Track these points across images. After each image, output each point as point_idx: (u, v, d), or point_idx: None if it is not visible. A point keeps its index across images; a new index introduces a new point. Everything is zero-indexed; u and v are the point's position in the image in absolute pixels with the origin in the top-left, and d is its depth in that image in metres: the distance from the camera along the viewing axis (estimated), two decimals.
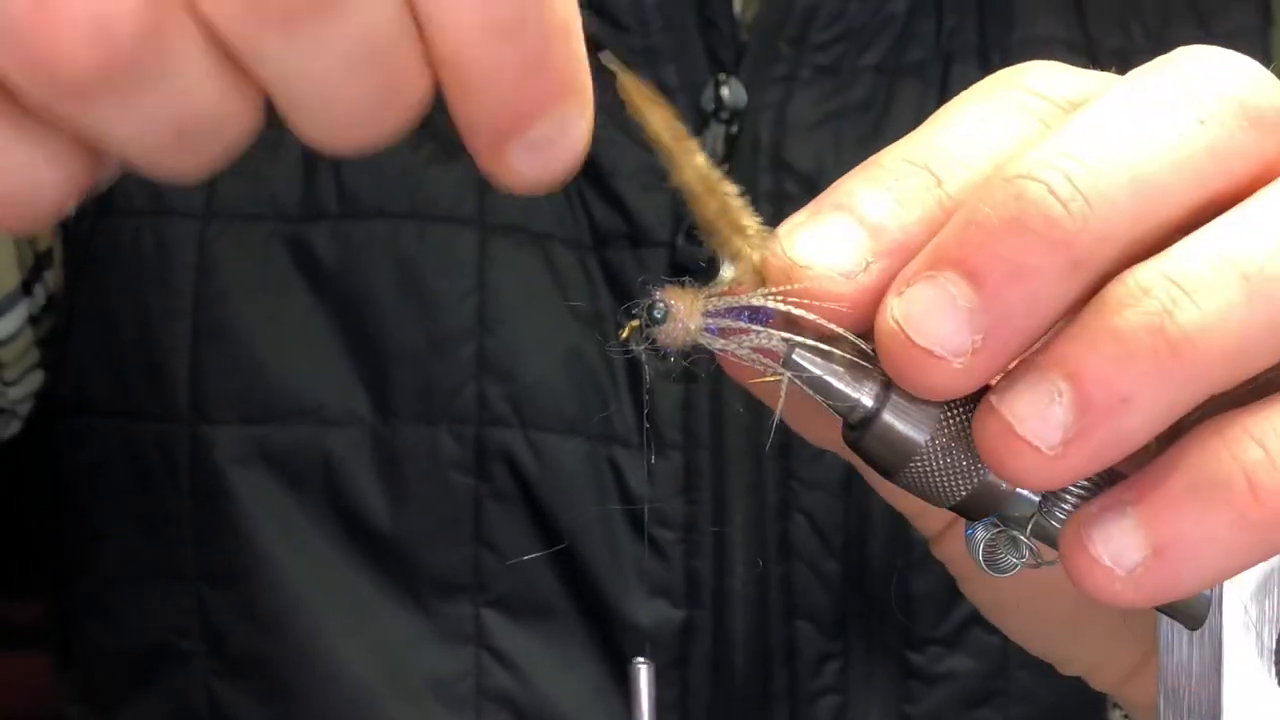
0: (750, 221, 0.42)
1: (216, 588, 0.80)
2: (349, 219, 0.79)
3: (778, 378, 0.41)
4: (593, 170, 0.81)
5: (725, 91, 0.80)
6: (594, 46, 0.40)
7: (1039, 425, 0.37)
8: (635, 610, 0.80)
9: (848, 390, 0.40)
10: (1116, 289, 0.37)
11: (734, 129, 0.80)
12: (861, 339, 0.40)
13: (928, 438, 0.40)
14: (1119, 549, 0.38)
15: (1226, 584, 0.40)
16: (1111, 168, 0.38)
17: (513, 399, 0.79)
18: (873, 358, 0.40)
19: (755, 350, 0.41)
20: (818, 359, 0.40)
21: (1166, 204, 0.38)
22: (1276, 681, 0.40)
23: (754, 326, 0.41)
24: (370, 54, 0.35)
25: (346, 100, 0.36)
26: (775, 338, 0.41)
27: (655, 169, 0.79)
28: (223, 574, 0.80)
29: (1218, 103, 0.39)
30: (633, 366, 0.79)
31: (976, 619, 0.82)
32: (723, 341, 0.41)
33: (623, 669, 0.82)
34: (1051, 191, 0.37)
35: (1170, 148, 0.38)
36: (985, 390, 0.39)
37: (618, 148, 0.80)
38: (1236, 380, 0.38)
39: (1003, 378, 0.38)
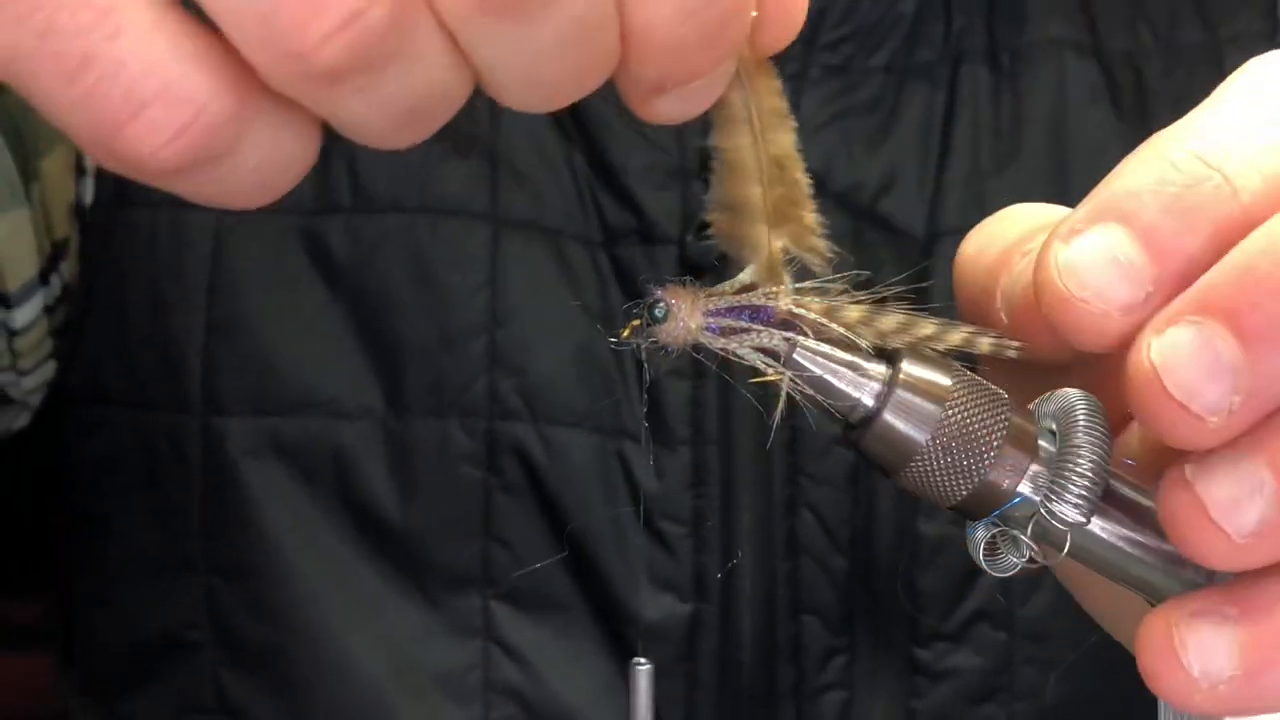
0: (810, 214, 0.42)
1: (226, 579, 0.80)
2: (362, 213, 0.80)
3: (779, 377, 0.41)
4: (603, 167, 0.81)
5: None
6: None
7: (1235, 515, 0.36)
8: (643, 604, 0.80)
9: (848, 390, 0.40)
10: None
11: None
12: (861, 340, 0.40)
13: (928, 437, 0.40)
14: (1210, 662, 0.37)
15: None
16: None
17: (524, 392, 0.79)
18: (875, 358, 0.40)
19: (756, 349, 0.41)
20: (818, 358, 0.40)
21: None
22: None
23: (755, 326, 0.41)
24: (580, 39, 0.36)
25: (552, 76, 0.37)
26: (776, 337, 0.41)
27: (666, 166, 0.80)
28: (232, 566, 0.80)
29: None
30: (642, 361, 0.80)
31: (982, 615, 0.82)
32: (724, 341, 0.41)
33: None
34: None
35: None
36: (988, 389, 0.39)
37: (628, 144, 0.80)
38: None
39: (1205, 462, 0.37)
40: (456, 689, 0.79)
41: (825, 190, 0.81)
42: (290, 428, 0.79)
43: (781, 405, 0.41)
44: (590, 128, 0.81)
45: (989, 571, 0.41)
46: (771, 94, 0.41)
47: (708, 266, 0.77)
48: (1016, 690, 0.83)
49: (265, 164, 0.36)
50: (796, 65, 0.81)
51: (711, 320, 0.41)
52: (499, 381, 0.79)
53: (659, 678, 0.81)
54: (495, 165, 0.81)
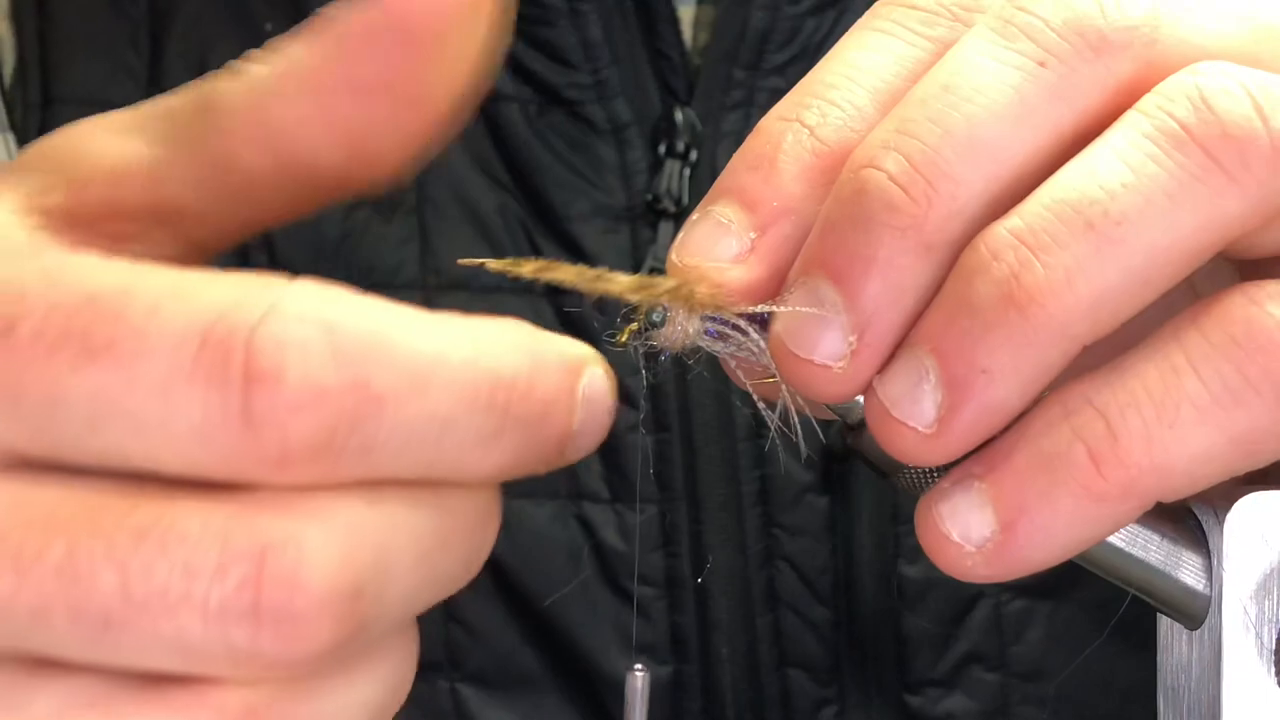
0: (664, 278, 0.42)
1: None
2: None
3: (776, 379, 0.41)
4: (543, 213, 0.80)
5: (680, 125, 0.79)
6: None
7: (912, 406, 0.37)
8: (618, 668, 0.78)
9: None
10: (969, 257, 0.37)
11: (691, 160, 0.79)
12: None
13: None
14: (967, 525, 0.38)
15: (1226, 584, 0.40)
16: (950, 138, 0.37)
17: None
18: None
19: (755, 352, 0.41)
20: None
21: (1013, 161, 0.37)
22: (1276, 681, 0.40)
23: (752, 330, 0.41)
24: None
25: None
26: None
27: (612, 209, 0.79)
28: None
29: (1056, 38, 0.38)
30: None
31: (973, 658, 0.81)
32: (721, 344, 0.41)
33: None
34: (891, 178, 0.37)
35: (1010, 101, 0.37)
36: None
37: (570, 188, 0.79)
38: (1103, 333, 0.37)
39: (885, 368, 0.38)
40: None
41: None
42: None
43: (781, 406, 0.41)
44: (528, 174, 0.80)
45: None
46: (573, 274, 0.42)
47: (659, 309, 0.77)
48: None
49: None
50: (743, 92, 0.79)
51: (710, 324, 0.41)
52: None
53: None
54: (423, 228, 0.79)
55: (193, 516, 0.32)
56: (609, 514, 0.78)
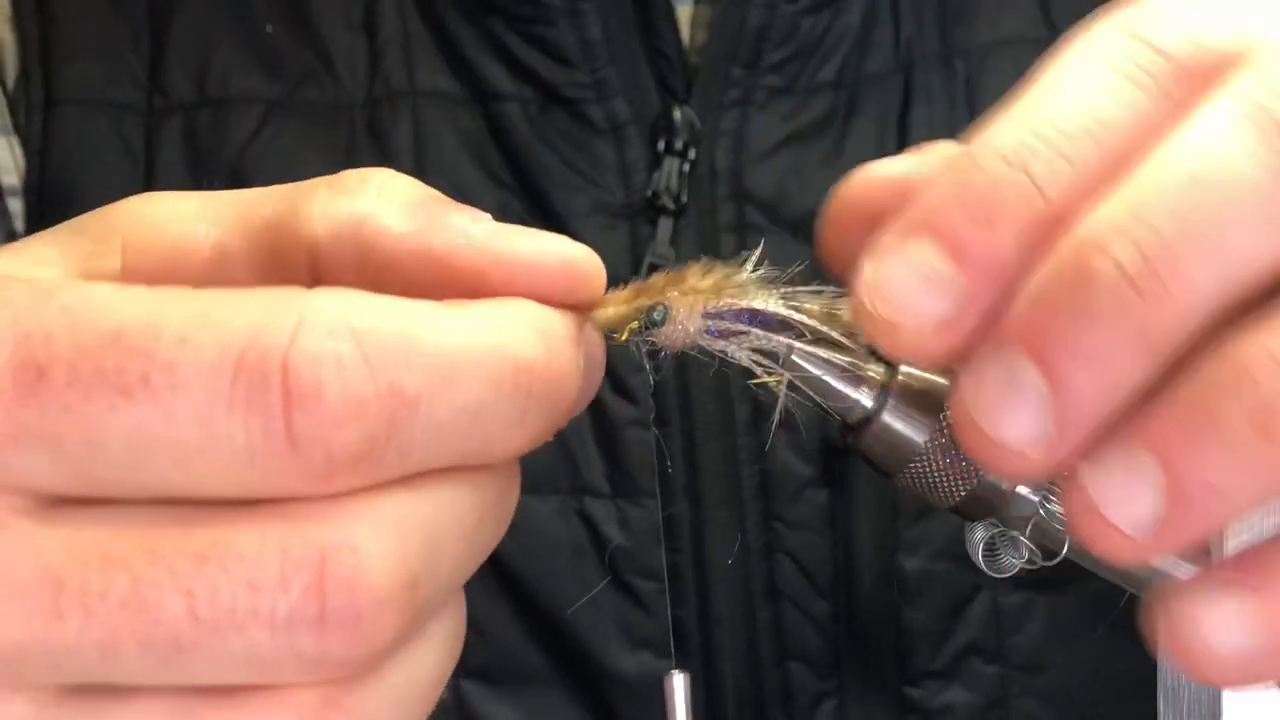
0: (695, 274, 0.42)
1: None
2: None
3: (777, 379, 0.41)
4: (545, 211, 0.80)
5: (679, 123, 0.79)
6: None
7: (1129, 511, 0.35)
8: (620, 663, 0.79)
9: (847, 391, 0.40)
10: (1217, 369, 0.34)
11: (690, 159, 0.79)
12: (862, 339, 0.40)
13: (927, 439, 0.40)
14: (1231, 635, 0.36)
15: None
16: (1191, 236, 0.34)
17: None
18: (874, 359, 0.40)
19: (755, 351, 0.41)
20: (817, 360, 0.40)
21: (1255, 268, 0.35)
22: (1276, 681, 0.40)
23: (754, 328, 0.41)
24: None
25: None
26: (775, 339, 0.41)
27: (612, 206, 0.80)
28: None
29: None
30: (596, 414, 0.78)
31: (973, 649, 0.81)
32: (723, 343, 0.41)
33: None
34: (1120, 268, 0.34)
35: (1261, 203, 0.34)
36: None
37: (570, 186, 0.80)
38: None
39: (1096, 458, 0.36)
40: None
41: (782, 219, 0.80)
42: None
43: (780, 407, 0.41)
44: (528, 171, 0.81)
45: (989, 572, 0.41)
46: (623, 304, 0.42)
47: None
48: None
49: None
50: (740, 90, 0.80)
51: (711, 323, 0.41)
52: None
53: None
54: None
55: (248, 534, 0.33)
56: (610, 509, 0.79)
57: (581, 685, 0.79)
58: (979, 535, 0.41)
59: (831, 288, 0.42)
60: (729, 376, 0.81)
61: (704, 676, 0.79)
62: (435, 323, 0.34)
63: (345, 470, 0.33)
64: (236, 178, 0.81)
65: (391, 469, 0.34)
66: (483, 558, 0.38)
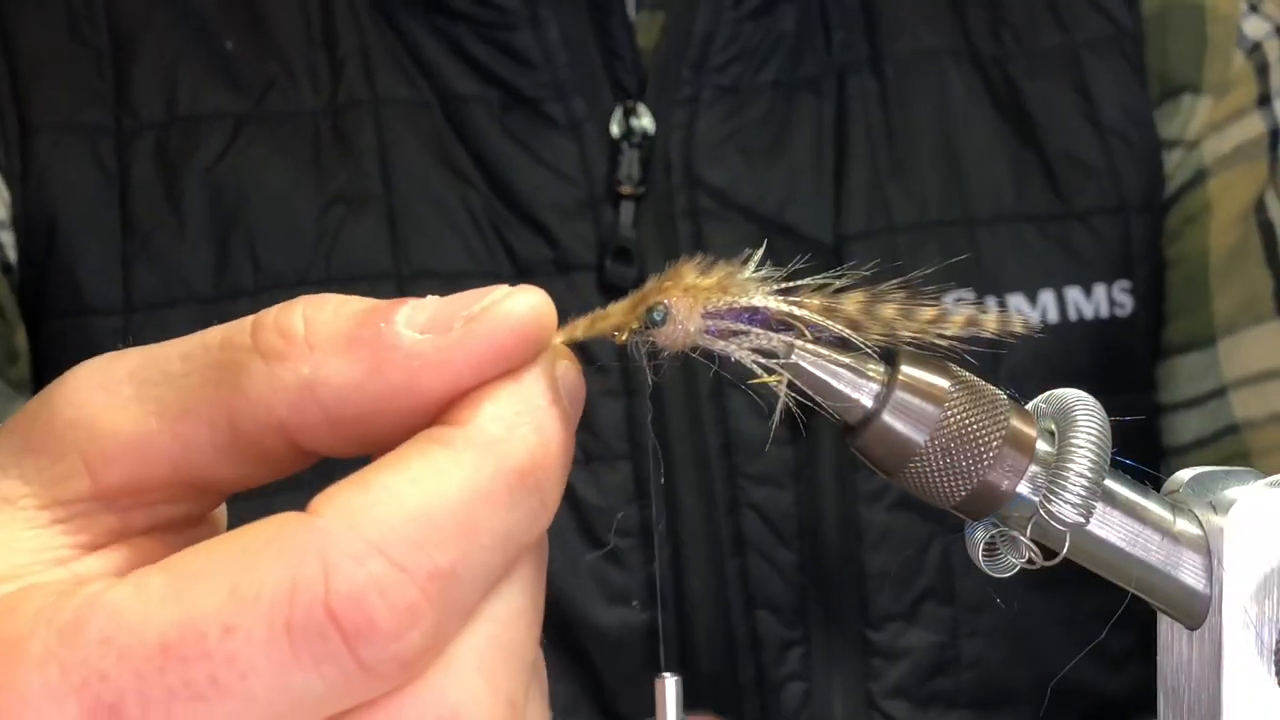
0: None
1: None
2: (268, 291, 0.82)
3: (777, 378, 0.41)
4: (511, 202, 0.85)
5: (634, 119, 0.85)
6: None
7: None
8: (597, 614, 0.82)
9: (847, 390, 0.40)
10: None
11: (646, 151, 0.85)
12: (863, 340, 0.40)
13: (927, 438, 0.40)
14: None
15: (1226, 584, 0.40)
16: None
17: None
18: (874, 359, 0.40)
19: (755, 351, 0.41)
20: (817, 359, 0.40)
21: None
22: (1276, 681, 0.40)
23: (754, 328, 0.41)
24: None
25: None
26: (775, 339, 0.41)
27: (576, 196, 0.85)
28: None
29: None
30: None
31: (930, 593, 0.86)
32: (722, 343, 0.41)
33: (594, 679, 0.84)
34: None
35: None
36: (987, 390, 0.40)
37: (535, 178, 0.84)
38: None
39: None
40: None
41: (732, 204, 0.86)
42: None
43: (781, 407, 0.41)
44: (494, 166, 0.85)
45: (989, 573, 0.41)
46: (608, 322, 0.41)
47: (627, 291, 0.80)
48: (964, 661, 0.87)
49: None
50: (689, 90, 0.86)
51: (711, 322, 0.41)
52: None
53: (623, 688, 0.82)
54: (393, 222, 0.84)
55: None
56: (584, 473, 0.83)
57: (560, 638, 0.82)
58: (979, 535, 0.41)
59: (830, 286, 0.42)
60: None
61: (678, 628, 0.84)
62: (436, 481, 0.34)
63: (420, 662, 0.34)
64: (210, 189, 0.84)
65: (455, 627, 0.34)
66: (542, 611, 0.38)
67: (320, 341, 0.36)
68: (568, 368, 0.38)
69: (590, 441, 0.83)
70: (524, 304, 0.36)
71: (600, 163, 0.85)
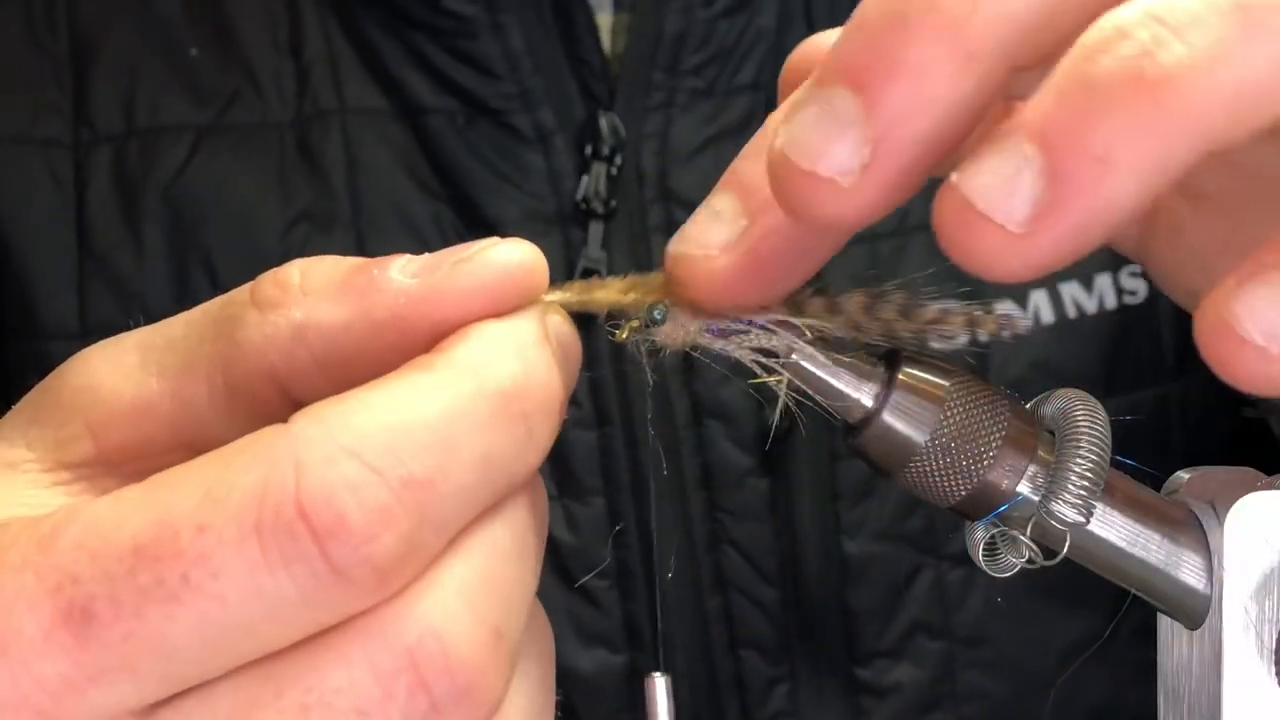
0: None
1: None
2: None
3: (778, 378, 0.41)
4: (477, 220, 0.81)
5: (603, 125, 0.81)
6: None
7: (1003, 198, 0.31)
8: (575, 661, 0.80)
9: (847, 390, 0.40)
10: (1091, 35, 0.31)
11: (616, 163, 0.81)
12: (863, 340, 0.40)
13: (927, 438, 0.40)
14: (1272, 320, 0.31)
15: (1226, 584, 0.40)
16: None
17: None
18: (874, 359, 0.40)
19: (755, 350, 0.41)
20: (817, 359, 0.40)
21: None
22: (1276, 681, 0.40)
23: (754, 327, 0.41)
24: None
25: None
26: (775, 338, 0.41)
27: (544, 213, 0.81)
28: None
29: None
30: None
31: (919, 627, 0.83)
32: (722, 342, 0.41)
33: None
34: None
35: None
36: (987, 389, 0.40)
37: (502, 196, 0.81)
38: (1243, 133, 0.31)
39: (969, 158, 0.32)
40: None
41: None
42: None
43: (781, 406, 0.41)
44: (459, 182, 0.82)
45: (989, 572, 0.41)
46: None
47: (596, 318, 0.79)
48: (960, 694, 0.84)
49: None
50: (663, 94, 0.82)
51: (711, 322, 0.41)
52: None
53: None
54: (360, 239, 0.81)
55: (335, 667, 0.33)
56: (556, 509, 0.80)
57: None
58: (979, 535, 0.41)
59: (829, 289, 0.42)
60: (666, 373, 0.83)
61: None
62: (414, 398, 0.34)
63: (395, 572, 0.33)
64: (170, 206, 0.82)
65: (435, 546, 0.34)
66: (539, 564, 0.38)
67: (314, 288, 0.37)
68: (560, 321, 0.39)
69: (561, 476, 0.80)
70: (513, 249, 0.37)
71: (569, 177, 0.82)
